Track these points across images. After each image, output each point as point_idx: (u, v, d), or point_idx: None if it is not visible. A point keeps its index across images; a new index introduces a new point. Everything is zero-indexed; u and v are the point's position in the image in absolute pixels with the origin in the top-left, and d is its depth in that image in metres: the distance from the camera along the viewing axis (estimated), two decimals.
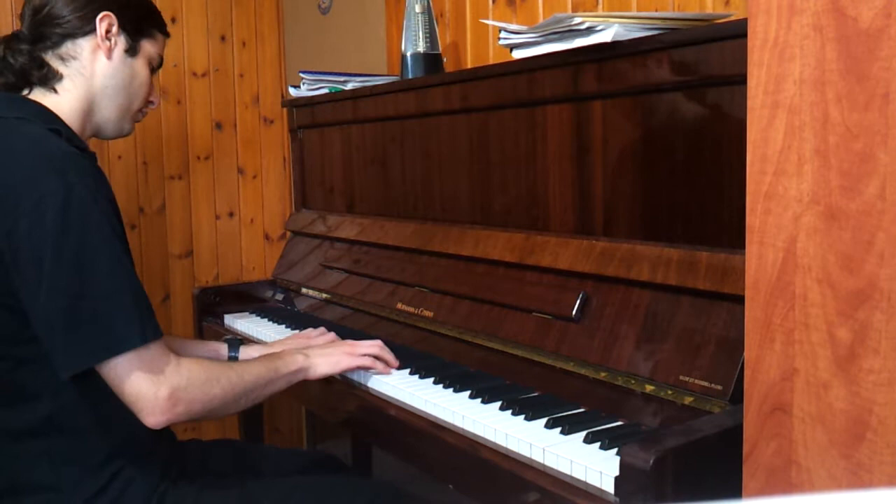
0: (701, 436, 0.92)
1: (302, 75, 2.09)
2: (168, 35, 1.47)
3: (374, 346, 1.44)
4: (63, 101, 1.30)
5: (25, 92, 1.31)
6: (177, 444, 1.38)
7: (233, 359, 1.52)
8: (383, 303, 1.70)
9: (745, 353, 0.85)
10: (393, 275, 1.71)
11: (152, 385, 1.12)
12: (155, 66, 1.43)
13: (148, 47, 1.39)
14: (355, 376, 1.43)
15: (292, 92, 2.16)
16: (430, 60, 1.85)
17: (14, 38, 1.32)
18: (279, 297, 2.13)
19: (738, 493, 0.88)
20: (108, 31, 1.32)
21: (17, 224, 1.09)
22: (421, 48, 1.85)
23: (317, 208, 2.19)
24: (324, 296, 1.95)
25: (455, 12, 2.07)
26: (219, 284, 2.52)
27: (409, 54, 1.85)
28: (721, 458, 0.91)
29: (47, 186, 1.10)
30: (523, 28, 1.34)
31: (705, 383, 1.05)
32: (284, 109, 2.64)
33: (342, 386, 1.44)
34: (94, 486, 1.18)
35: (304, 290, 2.03)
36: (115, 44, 1.33)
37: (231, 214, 2.75)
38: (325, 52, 2.58)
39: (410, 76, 1.85)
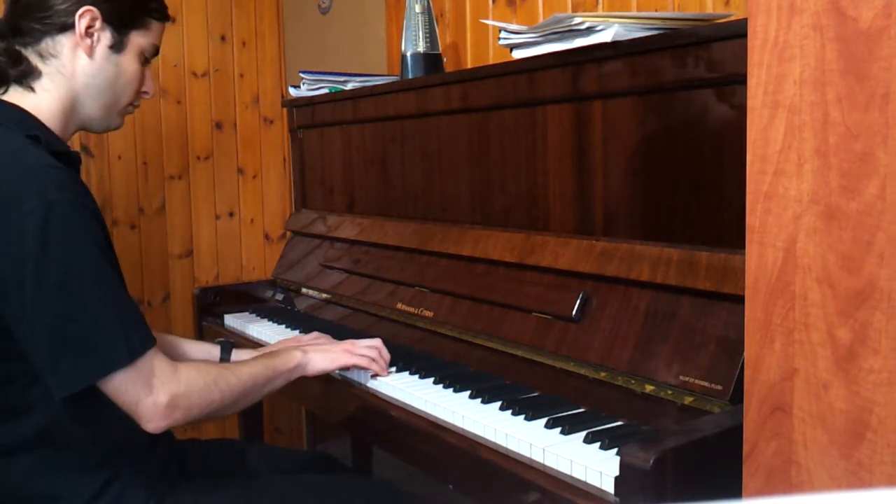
0: (701, 436, 0.92)
1: (302, 75, 2.09)
2: (167, 19, 1.34)
3: (372, 346, 1.42)
4: (41, 100, 1.23)
5: (1, 91, 1.24)
6: (175, 444, 1.38)
7: (224, 361, 1.50)
8: (383, 303, 1.70)
9: (745, 353, 0.85)
10: (393, 275, 1.71)
11: (150, 393, 1.11)
12: (148, 57, 1.32)
13: (138, 39, 1.28)
14: (355, 376, 1.43)
15: (292, 92, 2.16)
16: (430, 60, 1.85)
17: None
18: (279, 297, 2.13)
19: (738, 493, 0.88)
20: (89, 27, 1.23)
21: None
22: (421, 48, 1.85)
23: (317, 208, 2.19)
24: (324, 296, 1.95)
25: (455, 12, 2.07)
26: (219, 284, 2.52)
27: (409, 54, 1.85)
28: (721, 458, 0.91)
29: (26, 205, 1.06)
30: (523, 28, 1.34)
31: (705, 383, 1.05)
32: (284, 109, 2.64)
33: (342, 386, 1.44)
34: (91, 491, 1.17)
35: (304, 290, 2.03)
36: (98, 40, 1.24)
37: (231, 214, 2.75)
38: (325, 52, 2.58)
39: (410, 76, 1.85)
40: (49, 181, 1.09)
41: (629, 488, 0.88)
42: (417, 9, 1.84)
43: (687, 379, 1.08)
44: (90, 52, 1.24)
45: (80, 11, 1.22)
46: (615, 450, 1.00)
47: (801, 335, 0.79)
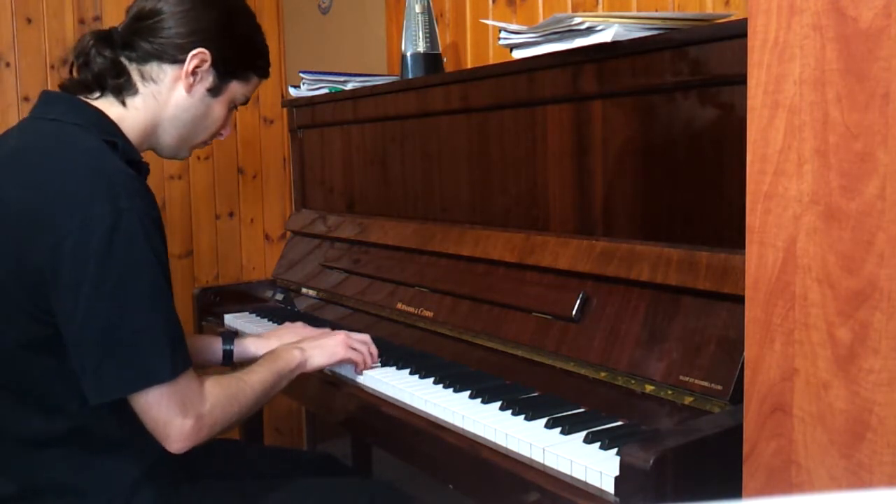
0: (701, 436, 0.92)
1: (302, 75, 2.09)
2: (267, 76, 1.41)
3: (365, 338, 1.46)
4: (128, 115, 1.26)
5: (96, 95, 1.26)
6: None
7: (227, 352, 1.52)
8: (383, 303, 1.70)
9: (745, 353, 0.85)
10: (393, 275, 1.71)
11: (179, 415, 1.11)
12: (238, 104, 1.39)
13: (235, 88, 1.35)
14: (354, 375, 1.43)
15: (292, 92, 2.16)
16: (430, 60, 1.85)
17: (106, 37, 1.27)
18: (279, 297, 2.13)
19: (738, 493, 0.88)
20: (196, 67, 1.27)
21: (61, 242, 1.06)
22: (421, 48, 1.85)
23: (317, 208, 2.19)
24: (324, 296, 1.95)
25: (455, 12, 2.07)
26: (219, 284, 2.52)
27: (409, 54, 1.85)
28: (721, 458, 0.91)
29: (97, 208, 1.07)
30: (523, 28, 1.34)
31: (705, 383, 1.05)
32: (284, 109, 2.63)
33: (342, 386, 1.44)
34: (109, 492, 1.18)
35: (304, 290, 2.03)
36: (200, 80, 1.28)
37: (231, 214, 2.75)
38: (325, 52, 2.58)
39: (410, 76, 1.85)
40: (122, 187, 1.10)
41: (629, 488, 0.88)
42: (417, 9, 1.85)
43: (687, 379, 1.08)
44: (190, 89, 1.28)
45: (193, 52, 1.26)
46: (615, 450, 1.00)
47: (801, 335, 0.79)
